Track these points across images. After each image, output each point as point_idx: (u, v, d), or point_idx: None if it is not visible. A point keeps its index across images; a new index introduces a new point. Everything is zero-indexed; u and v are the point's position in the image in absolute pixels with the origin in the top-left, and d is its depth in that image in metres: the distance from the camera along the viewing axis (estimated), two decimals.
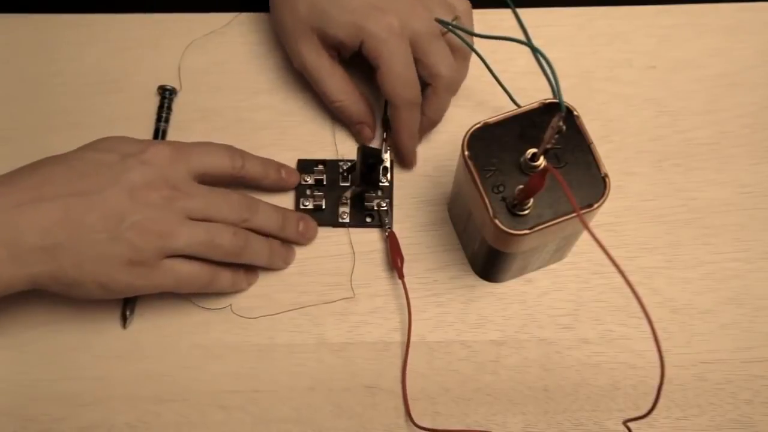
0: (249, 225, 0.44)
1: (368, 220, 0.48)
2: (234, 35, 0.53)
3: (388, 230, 0.48)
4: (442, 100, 0.48)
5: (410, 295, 0.46)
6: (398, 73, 0.45)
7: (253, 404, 0.45)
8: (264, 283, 0.47)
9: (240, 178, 0.46)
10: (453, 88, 0.48)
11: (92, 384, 0.45)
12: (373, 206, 0.48)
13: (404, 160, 0.49)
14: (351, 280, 0.47)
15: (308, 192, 0.49)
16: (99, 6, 0.53)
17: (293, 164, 0.49)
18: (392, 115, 0.47)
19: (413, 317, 0.46)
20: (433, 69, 0.46)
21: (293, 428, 0.45)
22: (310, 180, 0.49)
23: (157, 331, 0.46)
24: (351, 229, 0.48)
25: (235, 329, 0.46)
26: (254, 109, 0.51)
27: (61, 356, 0.45)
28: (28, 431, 0.44)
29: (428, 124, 0.49)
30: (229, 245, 0.43)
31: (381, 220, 0.48)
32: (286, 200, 0.49)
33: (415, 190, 0.49)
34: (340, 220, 0.48)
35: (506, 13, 0.53)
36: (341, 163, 0.49)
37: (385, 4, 0.45)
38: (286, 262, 0.47)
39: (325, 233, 0.48)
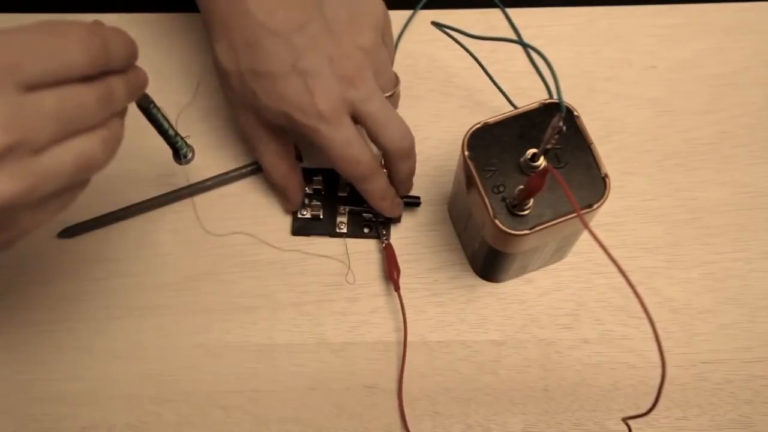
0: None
1: (365, 230, 0.48)
2: None
3: (385, 242, 0.48)
4: (402, 166, 0.44)
5: (410, 295, 0.46)
6: (339, 156, 0.41)
7: (253, 404, 0.45)
8: (264, 282, 0.47)
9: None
10: (407, 152, 0.44)
11: (92, 384, 0.45)
12: (370, 217, 0.48)
13: (388, 216, 0.47)
14: (349, 265, 0.47)
15: (306, 201, 0.48)
16: (97, 6, 0.53)
17: None
18: (357, 187, 0.45)
19: (413, 317, 0.46)
20: (382, 146, 0.43)
21: (293, 428, 0.45)
22: (308, 190, 0.49)
23: (157, 330, 0.46)
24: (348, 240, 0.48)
25: (235, 329, 0.46)
26: None
27: (61, 356, 0.45)
28: (28, 431, 0.44)
29: (402, 182, 0.46)
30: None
31: (378, 232, 0.48)
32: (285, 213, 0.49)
33: (415, 190, 0.49)
34: (338, 230, 0.48)
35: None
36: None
37: (318, 84, 0.40)
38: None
39: (324, 237, 0.48)
